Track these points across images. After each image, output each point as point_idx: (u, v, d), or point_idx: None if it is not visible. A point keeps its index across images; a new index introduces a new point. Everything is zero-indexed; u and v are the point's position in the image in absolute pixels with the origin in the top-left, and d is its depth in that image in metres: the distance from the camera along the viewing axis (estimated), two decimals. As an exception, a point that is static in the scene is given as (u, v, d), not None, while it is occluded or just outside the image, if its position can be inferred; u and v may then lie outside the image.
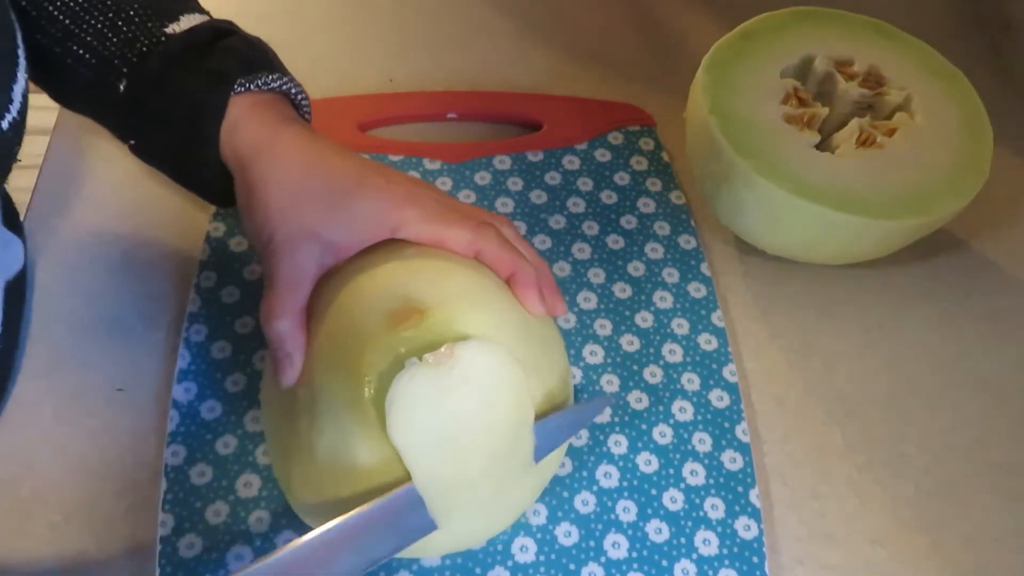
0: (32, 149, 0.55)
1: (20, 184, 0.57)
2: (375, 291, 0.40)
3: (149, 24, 0.44)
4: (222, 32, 0.46)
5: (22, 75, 0.41)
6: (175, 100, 0.44)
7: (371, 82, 0.63)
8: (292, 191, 0.42)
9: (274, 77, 0.45)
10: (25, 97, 0.41)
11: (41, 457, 0.46)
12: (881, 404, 0.51)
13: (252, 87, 0.44)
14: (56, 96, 0.48)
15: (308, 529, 0.44)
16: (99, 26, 0.44)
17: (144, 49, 0.44)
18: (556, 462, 0.44)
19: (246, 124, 0.44)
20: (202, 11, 0.47)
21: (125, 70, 0.44)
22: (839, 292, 0.55)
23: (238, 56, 0.45)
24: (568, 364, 0.45)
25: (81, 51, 0.44)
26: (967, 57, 0.57)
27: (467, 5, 0.69)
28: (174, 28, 0.45)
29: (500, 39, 0.67)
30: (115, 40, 0.44)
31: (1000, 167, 0.52)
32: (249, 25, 0.67)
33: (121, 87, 0.44)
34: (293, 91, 0.46)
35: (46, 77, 0.46)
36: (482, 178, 0.57)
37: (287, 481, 0.41)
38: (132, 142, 0.46)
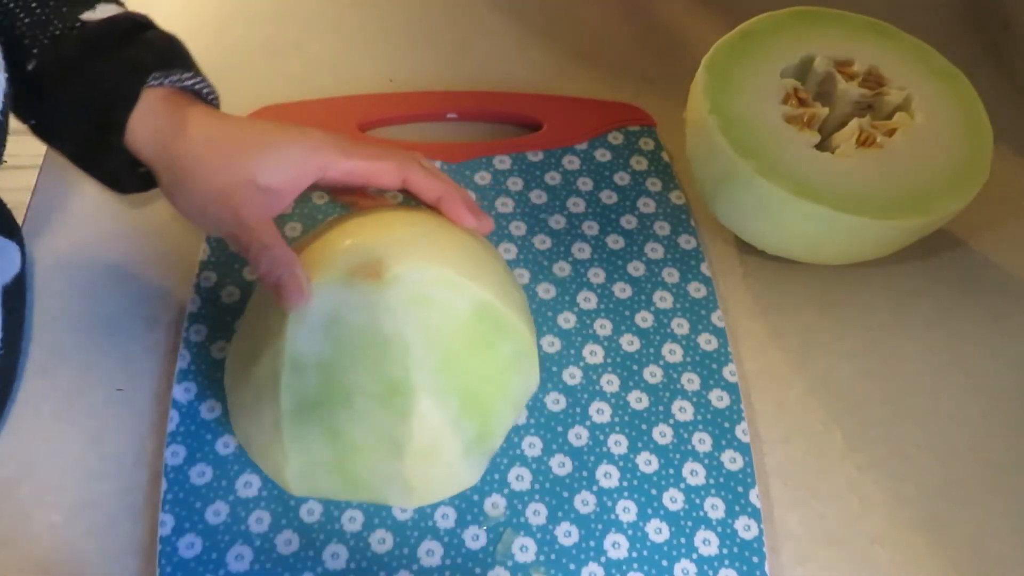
0: (32, 149, 0.55)
1: (20, 184, 0.57)
2: (332, 253, 0.43)
3: (64, 8, 0.44)
4: (140, 25, 0.46)
5: (2, 74, 0.41)
6: (87, 85, 0.44)
7: (371, 82, 0.63)
8: (219, 150, 0.44)
9: (189, 75, 0.46)
10: (7, 96, 0.42)
11: (41, 457, 0.46)
12: (881, 404, 0.51)
13: (167, 82, 0.45)
14: None
15: (309, 528, 0.44)
16: (10, 4, 0.44)
17: (57, 33, 0.44)
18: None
19: (160, 110, 0.44)
20: (119, 2, 0.47)
21: (35, 51, 0.44)
22: (839, 292, 0.55)
23: (156, 50, 0.45)
24: (520, 289, 0.49)
25: None
26: (967, 57, 0.57)
27: (467, 5, 0.69)
28: (90, 15, 0.45)
29: (500, 39, 0.67)
30: (27, 20, 0.44)
31: (1000, 167, 0.52)
32: (248, 25, 0.67)
33: (29, 67, 0.44)
34: (205, 91, 0.47)
35: None
36: (482, 178, 0.57)
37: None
38: (32, 122, 0.46)
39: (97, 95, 0.44)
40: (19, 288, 0.50)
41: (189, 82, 0.46)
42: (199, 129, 0.44)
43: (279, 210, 0.45)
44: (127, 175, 0.47)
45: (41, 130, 0.47)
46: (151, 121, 0.44)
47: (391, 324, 0.42)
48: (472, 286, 0.43)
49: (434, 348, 0.42)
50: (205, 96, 0.47)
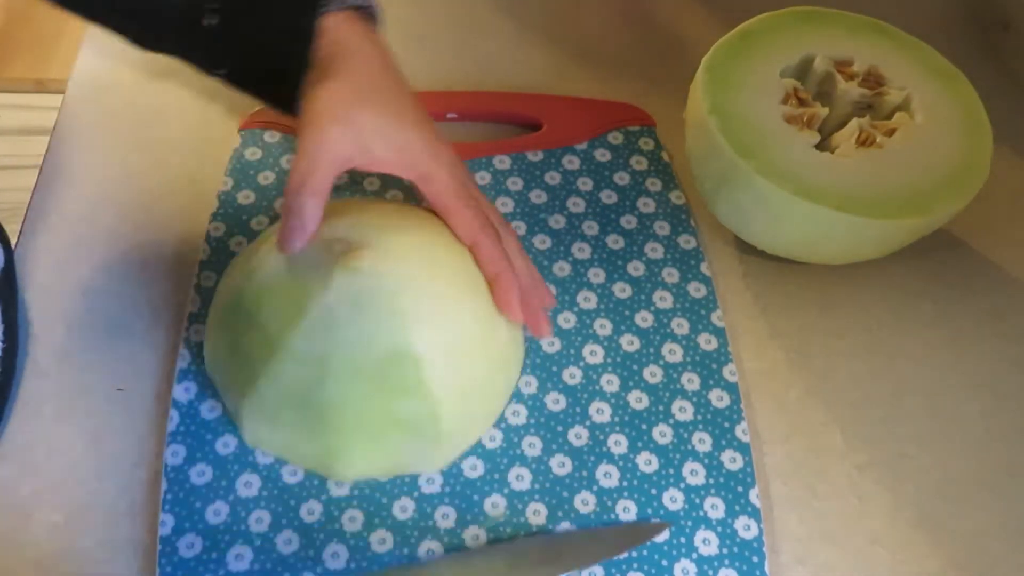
0: (32, 149, 0.55)
1: (20, 184, 0.57)
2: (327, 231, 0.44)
3: None
4: None
5: None
6: (265, 28, 0.46)
7: (371, 82, 0.63)
8: (363, 86, 0.45)
9: None
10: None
11: (41, 457, 0.46)
12: (881, 404, 0.51)
13: (334, 7, 0.46)
14: (137, 39, 0.49)
15: (309, 528, 0.44)
16: None
17: None
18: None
19: (335, 31, 0.46)
20: None
21: (216, 5, 0.45)
22: (839, 292, 0.55)
23: None
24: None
25: None
26: (967, 57, 0.57)
27: (467, 5, 0.69)
28: None
29: (500, 39, 0.67)
30: None
31: (1000, 167, 0.52)
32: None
33: (205, 22, 0.45)
34: (372, 8, 0.48)
35: (129, 21, 0.47)
36: (482, 178, 0.57)
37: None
38: (223, 72, 0.48)
39: (276, 35, 0.46)
40: (8, 283, 0.50)
41: (358, 1, 0.47)
42: (363, 60, 0.45)
43: (355, 165, 0.45)
44: None
45: (231, 79, 0.48)
46: (328, 39, 0.46)
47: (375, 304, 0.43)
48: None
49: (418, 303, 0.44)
50: (373, 13, 0.49)
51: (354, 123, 0.44)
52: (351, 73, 0.45)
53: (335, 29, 0.46)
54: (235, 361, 0.45)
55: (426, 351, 0.43)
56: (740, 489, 0.47)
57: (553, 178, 0.58)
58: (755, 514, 0.46)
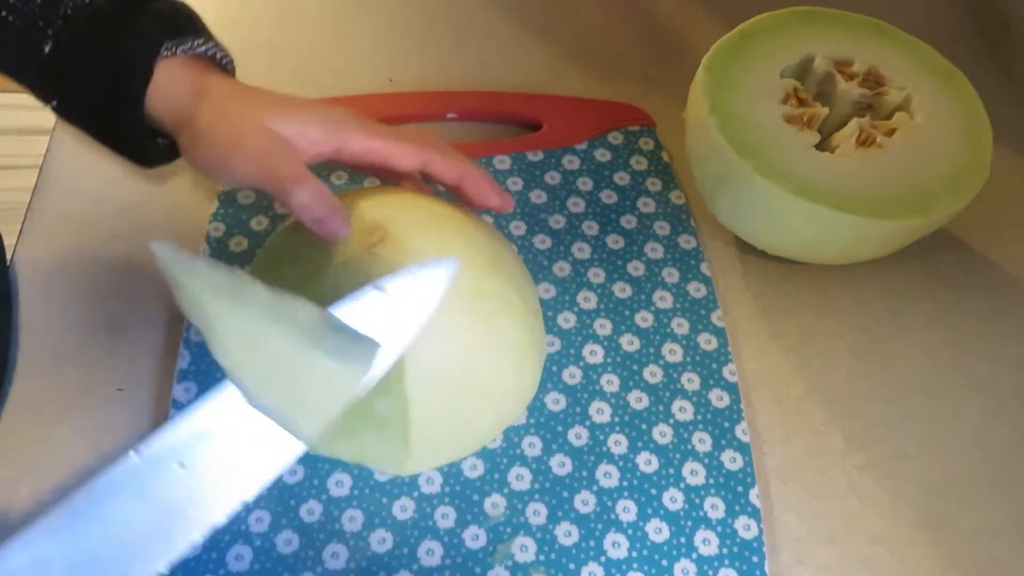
0: (32, 149, 0.55)
1: (20, 184, 0.57)
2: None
3: None
4: None
5: None
6: (102, 62, 0.44)
7: (371, 82, 0.63)
8: (241, 105, 0.44)
9: (200, 41, 0.46)
10: None
11: (41, 457, 0.46)
12: (881, 404, 0.51)
13: (178, 51, 0.45)
14: None
15: (309, 528, 0.44)
16: None
17: (68, 11, 0.44)
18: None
19: (178, 78, 0.45)
20: None
21: (50, 32, 0.44)
22: (839, 292, 0.55)
23: (164, 20, 0.45)
24: (532, 283, 0.48)
25: (3, 13, 0.44)
26: (967, 57, 0.57)
27: (467, 5, 0.69)
28: None
29: (500, 39, 0.67)
30: (39, 2, 0.44)
31: (1000, 167, 0.52)
32: (247, 25, 0.67)
33: (46, 49, 0.44)
34: (219, 55, 0.47)
35: None
36: (482, 178, 0.57)
37: None
38: (55, 103, 0.47)
39: (112, 72, 0.44)
40: (3, 283, 0.50)
41: (202, 48, 0.46)
42: (220, 89, 0.45)
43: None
44: (150, 147, 0.47)
45: (63, 110, 0.47)
46: (169, 89, 0.45)
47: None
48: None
49: None
50: (220, 61, 0.47)
51: (265, 128, 0.43)
52: (219, 94, 0.44)
53: (181, 70, 0.45)
54: None
55: (413, 361, 0.41)
56: (740, 489, 0.47)
57: (553, 178, 0.58)
58: (755, 514, 0.46)
